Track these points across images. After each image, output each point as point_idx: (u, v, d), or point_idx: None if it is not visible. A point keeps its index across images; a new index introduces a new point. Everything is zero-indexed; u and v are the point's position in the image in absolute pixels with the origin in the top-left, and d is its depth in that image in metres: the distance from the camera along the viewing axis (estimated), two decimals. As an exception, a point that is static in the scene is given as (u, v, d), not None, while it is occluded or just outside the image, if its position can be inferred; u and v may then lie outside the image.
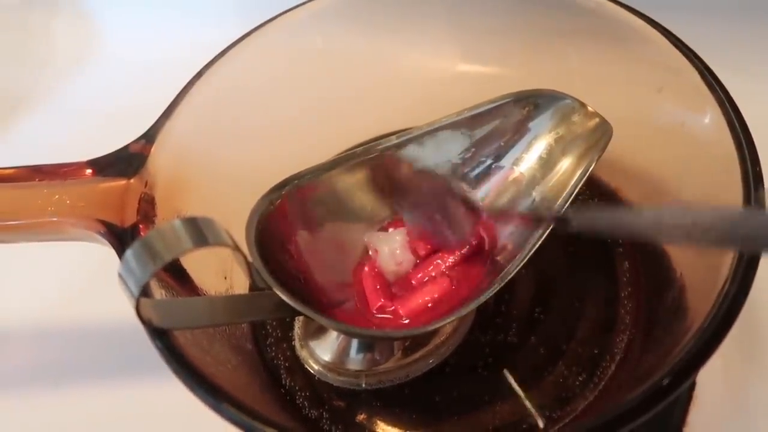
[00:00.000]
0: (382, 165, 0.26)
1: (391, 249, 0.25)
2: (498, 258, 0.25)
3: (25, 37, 0.49)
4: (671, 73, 0.24)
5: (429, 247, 0.25)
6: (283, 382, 0.27)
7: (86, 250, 0.24)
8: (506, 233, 0.25)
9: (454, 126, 0.26)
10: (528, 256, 0.23)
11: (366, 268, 0.25)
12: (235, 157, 0.28)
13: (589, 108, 0.25)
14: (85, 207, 0.23)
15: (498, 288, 0.23)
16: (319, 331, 0.26)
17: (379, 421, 0.26)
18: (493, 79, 0.31)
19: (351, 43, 0.31)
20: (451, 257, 0.25)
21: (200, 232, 0.18)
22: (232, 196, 0.25)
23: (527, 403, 0.25)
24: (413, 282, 0.25)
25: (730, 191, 0.21)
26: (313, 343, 0.26)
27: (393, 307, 0.24)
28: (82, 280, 0.34)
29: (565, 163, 0.25)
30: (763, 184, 0.20)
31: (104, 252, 0.22)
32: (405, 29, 0.31)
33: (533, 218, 0.23)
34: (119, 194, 0.23)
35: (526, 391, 0.25)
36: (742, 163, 0.21)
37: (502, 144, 0.26)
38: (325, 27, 0.30)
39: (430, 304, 0.24)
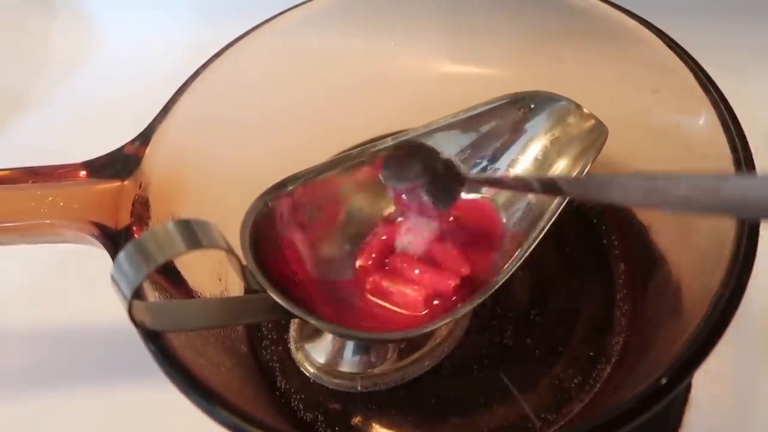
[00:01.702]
0: (377, 168, 0.26)
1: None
2: (494, 259, 0.25)
3: (22, 38, 0.49)
4: (666, 75, 0.24)
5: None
6: (278, 385, 0.27)
7: (81, 251, 0.24)
8: (504, 232, 0.25)
9: (450, 127, 0.26)
10: (524, 258, 0.23)
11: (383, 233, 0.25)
12: (230, 158, 0.28)
13: (585, 109, 0.25)
14: (79, 209, 0.22)
15: (494, 290, 0.23)
16: (315, 334, 0.26)
17: (374, 424, 0.26)
18: (489, 81, 0.31)
19: (347, 44, 0.32)
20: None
21: (194, 235, 0.18)
22: (226, 198, 0.25)
23: (524, 406, 0.25)
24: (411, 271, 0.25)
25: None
26: (308, 346, 0.26)
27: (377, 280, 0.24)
28: (77, 282, 0.34)
29: (560, 165, 0.25)
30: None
31: (99, 253, 0.22)
32: (401, 30, 0.31)
33: (524, 184, 0.22)
34: (113, 196, 0.23)
35: (522, 393, 0.25)
36: (736, 163, 0.21)
37: (498, 145, 0.26)
38: (321, 28, 0.30)
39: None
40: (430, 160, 0.25)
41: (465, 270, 0.24)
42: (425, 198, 0.25)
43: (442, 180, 0.25)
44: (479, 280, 0.24)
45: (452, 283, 0.24)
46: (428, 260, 0.25)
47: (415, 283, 0.24)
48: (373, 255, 0.25)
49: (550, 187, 0.20)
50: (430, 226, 0.26)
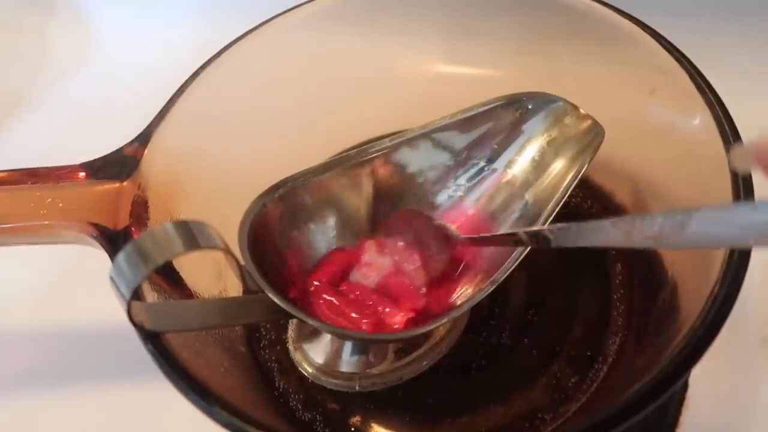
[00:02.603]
0: (374, 169, 0.26)
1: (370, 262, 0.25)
2: (491, 259, 0.25)
3: (20, 39, 0.49)
4: (662, 76, 0.24)
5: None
6: (277, 385, 0.27)
7: (80, 251, 0.24)
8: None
9: (447, 128, 0.26)
10: (520, 258, 0.23)
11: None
12: (228, 159, 0.28)
13: (581, 110, 0.26)
14: (78, 210, 0.23)
15: (491, 290, 0.23)
16: (313, 334, 0.26)
17: (372, 424, 0.26)
18: (486, 82, 0.31)
19: (347, 44, 0.32)
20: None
21: (192, 235, 0.18)
22: (225, 199, 0.25)
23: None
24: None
25: (720, 191, 0.21)
26: (306, 346, 0.26)
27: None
28: (75, 282, 0.34)
29: (557, 166, 0.26)
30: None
31: (98, 254, 0.22)
32: (399, 31, 0.32)
33: (512, 240, 0.23)
34: (112, 197, 0.23)
35: (520, 392, 0.26)
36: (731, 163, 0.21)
37: (495, 146, 0.26)
38: (320, 29, 0.30)
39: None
40: (426, 225, 0.26)
41: (420, 303, 0.24)
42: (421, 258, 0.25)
43: (436, 242, 0.25)
44: (476, 281, 0.24)
45: (404, 317, 0.23)
46: (383, 291, 0.24)
47: (366, 309, 0.24)
48: (334, 269, 0.25)
49: (538, 239, 0.21)
50: (388, 262, 0.25)
